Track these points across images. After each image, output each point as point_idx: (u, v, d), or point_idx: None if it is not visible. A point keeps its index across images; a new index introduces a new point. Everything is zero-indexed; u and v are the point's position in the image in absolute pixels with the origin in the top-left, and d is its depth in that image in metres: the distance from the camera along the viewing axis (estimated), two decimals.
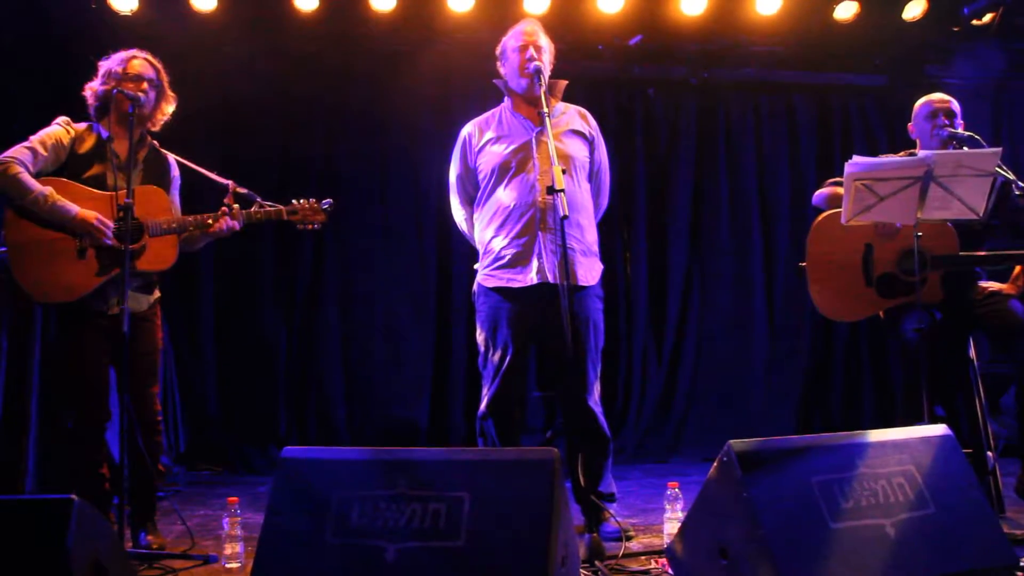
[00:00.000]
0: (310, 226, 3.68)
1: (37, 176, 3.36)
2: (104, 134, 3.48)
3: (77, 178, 3.43)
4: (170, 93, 3.62)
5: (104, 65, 3.54)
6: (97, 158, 3.46)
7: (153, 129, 3.62)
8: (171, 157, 3.67)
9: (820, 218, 3.96)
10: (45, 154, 3.39)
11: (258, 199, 3.59)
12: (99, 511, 2.43)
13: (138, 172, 3.50)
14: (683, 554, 2.64)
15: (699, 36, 5.98)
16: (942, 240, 3.70)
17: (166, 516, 3.79)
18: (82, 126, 3.53)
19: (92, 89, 3.54)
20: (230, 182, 3.58)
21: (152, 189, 3.47)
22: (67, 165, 3.44)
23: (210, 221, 3.51)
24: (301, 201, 3.66)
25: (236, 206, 3.56)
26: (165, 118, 3.63)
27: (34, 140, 3.41)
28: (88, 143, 3.49)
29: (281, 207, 3.63)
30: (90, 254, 3.39)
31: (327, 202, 3.69)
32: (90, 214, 3.35)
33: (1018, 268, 3.84)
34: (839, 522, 2.41)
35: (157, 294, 3.64)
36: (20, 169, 3.31)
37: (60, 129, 3.47)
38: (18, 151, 3.35)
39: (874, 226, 3.73)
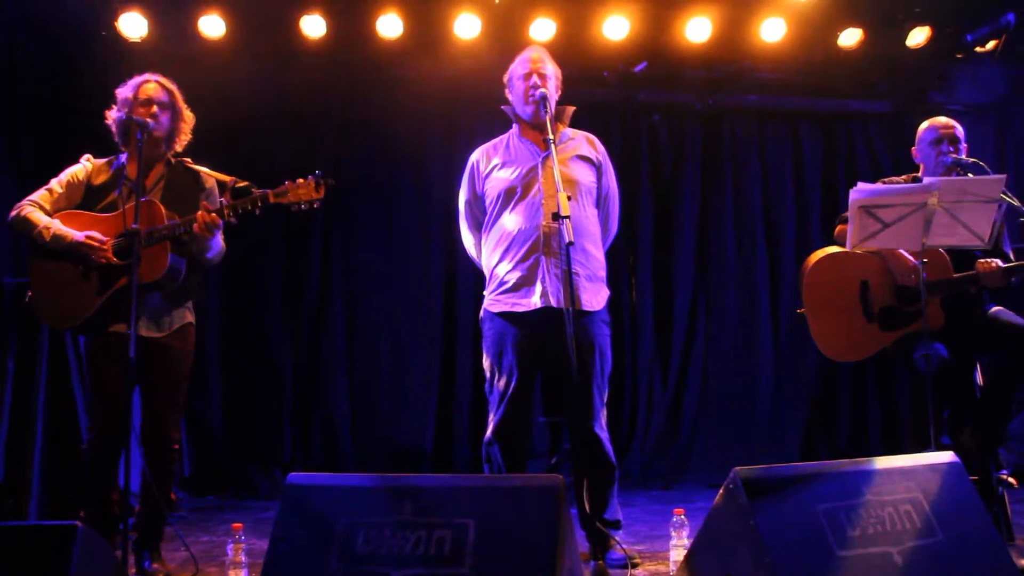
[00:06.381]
0: (304, 206, 3.39)
1: (55, 213, 3.44)
2: (121, 162, 3.51)
3: (92, 209, 3.47)
4: (187, 113, 3.63)
5: (120, 92, 3.57)
6: (112, 186, 3.49)
7: (178, 149, 3.62)
8: (203, 171, 3.65)
9: (809, 263, 3.95)
10: (60, 191, 3.51)
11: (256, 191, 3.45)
12: (103, 536, 2.43)
13: (156, 192, 3.50)
14: None
15: (704, 62, 6.02)
16: (936, 265, 3.71)
17: (170, 542, 3.77)
18: (102, 161, 3.58)
19: (112, 118, 3.57)
20: (230, 178, 3.54)
21: (146, 202, 3.36)
22: (85, 198, 3.51)
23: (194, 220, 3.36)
24: (297, 180, 3.39)
25: (221, 200, 3.49)
26: (186, 137, 3.64)
27: (53, 181, 3.52)
28: (105, 175, 3.53)
29: (267, 190, 3.38)
30: (93, 275, 3.40)
31: (319, 172, 3.39)
32: (80, 235, 3.37)
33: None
34: (846, 550, 2.39)
35: (188, 318, 3.58)
36: (31, 209, 3.44)
37: (79, 167, 3.56)
38: (37, 193, 3.48)
39: (889, 271, 3.74)
